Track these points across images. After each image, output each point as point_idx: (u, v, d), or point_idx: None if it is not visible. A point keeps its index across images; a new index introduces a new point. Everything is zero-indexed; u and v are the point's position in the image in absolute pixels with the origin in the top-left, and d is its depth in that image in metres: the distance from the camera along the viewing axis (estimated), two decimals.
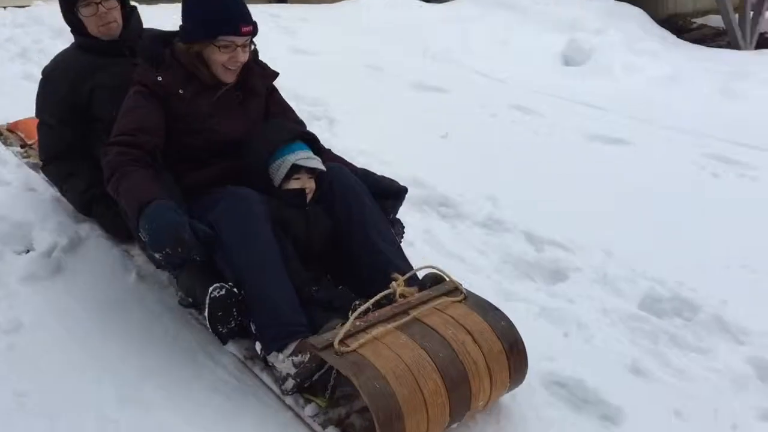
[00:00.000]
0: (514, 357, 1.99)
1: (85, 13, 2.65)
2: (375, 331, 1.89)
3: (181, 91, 2.31)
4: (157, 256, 2.04)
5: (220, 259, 2.13)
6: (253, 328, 2.06)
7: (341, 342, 1.83)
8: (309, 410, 1.96)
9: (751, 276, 3.16)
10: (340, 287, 2.26)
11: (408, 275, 2.10)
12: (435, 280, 2.17)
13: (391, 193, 2.46)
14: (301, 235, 2.25)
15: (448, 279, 2.14)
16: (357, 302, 2.01)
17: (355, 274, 2.28)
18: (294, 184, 2.31)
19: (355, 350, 1.82)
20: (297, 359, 1.95)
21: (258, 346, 2.04)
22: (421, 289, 2.12)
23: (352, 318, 1.90)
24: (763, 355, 2.59)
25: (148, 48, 2.40)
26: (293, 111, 2.63)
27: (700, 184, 4.31)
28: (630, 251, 3.21)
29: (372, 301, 1.97)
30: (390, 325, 1.92)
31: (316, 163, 2.31)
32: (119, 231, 2.69)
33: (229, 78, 2.35)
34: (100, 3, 2.63)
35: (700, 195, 4.09)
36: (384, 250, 2.26)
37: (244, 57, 2.31)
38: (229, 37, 2.26)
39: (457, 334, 1.94)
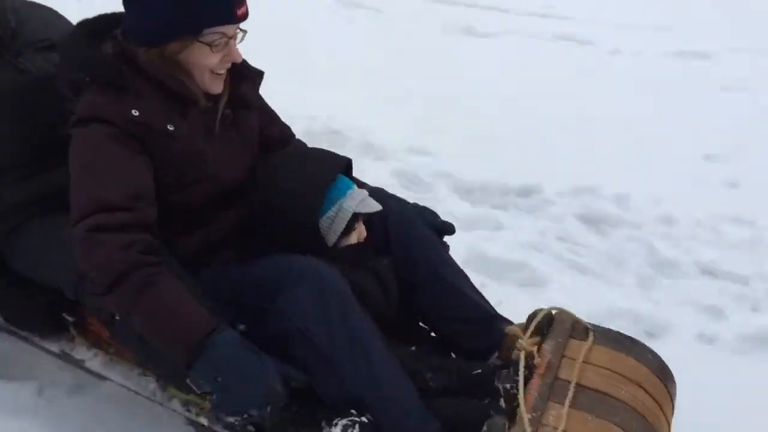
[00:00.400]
0: (670, 385, 1.74)
1: None
2: (553, 420, 1.50)
3: (170, 127, 1.55)
4: (230, 419, 1.41)
5: (322, 382, 1.53)
6: None
7: None
8: None
9: (389, 106, 3.65)
10: (412, 348, 1.79)
11: (530, 330, 1.66)
12: (545, 318, 1.75)
13: (439, 231, 1.93)
14: (382, 306, 1.71)
15: (556, 312, 1.78)
16: (507, 386, 1.56)
17: (428, 324, 1.86)
18: (353, 238, 1.71)
19: None
20: None
21: None
22: (540, 336, 1.72)
23: (525, 413, 1.46)
24: (402, 167, 3.15)
25: (91, 61, 1.55)
26: (278, 116, 1.94)
27: (333, 27, 4.70)
28: (283, 94, 3.43)
29: (521, 379, 1.54)
30: (564, 408, 1.53)
31: (376, 204, 1.72)
32: (39, 323, 1.88)
33: (218, 87, 1.63)
34: None
35: (336, 37, 4.49)
36: (461, 287, 1.83)
37: (239, 54, 1.61)
38: (221, 26, 1.53)
39: (631, 392, 1.62)
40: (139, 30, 1.54)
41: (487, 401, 1.63)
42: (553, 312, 1.78)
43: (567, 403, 1.54)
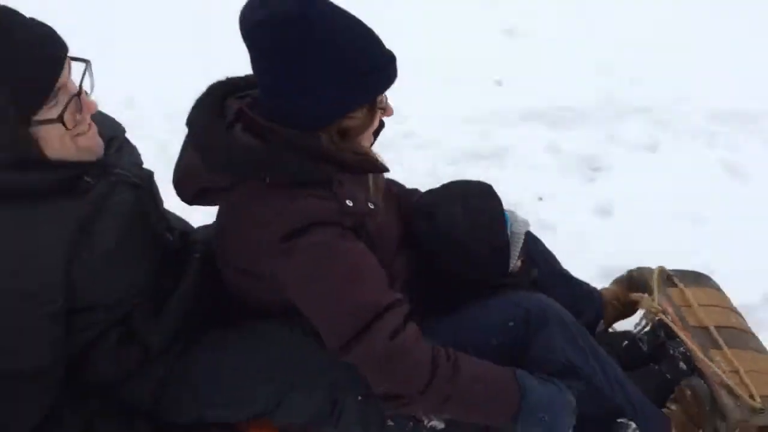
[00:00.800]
0: None
1: (51, 115, 1.13)
2: (727, 365, 1.72)
3: (371, 206, 1.35)
4: None
5: (589, 401, 1.50)
6: None
7: (752, 398, 1.64)
8: None
9: None
10: None
11: (655, 293, 1.86)
12: (640, 277, 1.96)
13: None
14: None
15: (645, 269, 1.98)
16: (682, 349, 1.76)
17: None
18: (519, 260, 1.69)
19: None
20: None
21: None
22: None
23: (718, 370, 1.68)
24: None
25: (281, 159, 1.25)
26: None
27: None
28: None
29: (686, 340, 1.75)
30: (726, 350, 1.76)
31: (526, 220, 1.71)
32: None
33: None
34: (81, 94, 1.16)
35: None
36: (563, 271, 1.93)
37: (392, 107, 1.43)
38: (387, 89, 1.36)
39: (736, 317, 1.91)
40: (307, 113, 1.28)
41: (656, 367, 1.78)
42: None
43: (724, 346, 1.77)
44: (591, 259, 2.43)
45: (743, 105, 3.58)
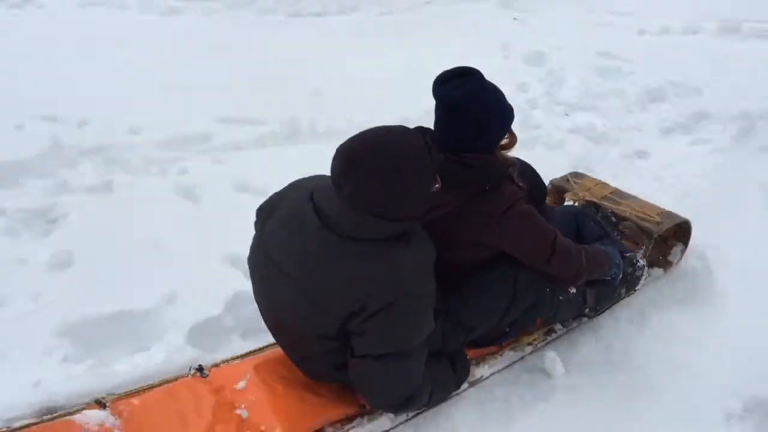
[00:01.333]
0: None
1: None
2: (631, 209, 3.05)
3: (521, 185, 2.30)
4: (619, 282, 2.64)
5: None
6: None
7: (653, 218, 3.00)
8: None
9: None
10: None
11: (575, 190, 3.21)
12: (559, 185, 3.26)
13: None
14: None
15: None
16: (609, 211, 3.05)
17: None
18: None
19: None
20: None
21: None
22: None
23: (634, 211, 3.04)
24: None
25: (497, 172, 2.13)
26: None
27: None
28: None
29: (608, 205, 3.09)
30: (628, 201, 3.10)
31: None
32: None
33: None
34: None
35: None
36: None
37: None
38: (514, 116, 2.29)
39: (611, 186, 3.26)
40: (486, 145, 2.12)
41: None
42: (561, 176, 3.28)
43: (621, 201, 3.11)
44: (49, 315, 2.38)
45: (191, 129, 3.96)
